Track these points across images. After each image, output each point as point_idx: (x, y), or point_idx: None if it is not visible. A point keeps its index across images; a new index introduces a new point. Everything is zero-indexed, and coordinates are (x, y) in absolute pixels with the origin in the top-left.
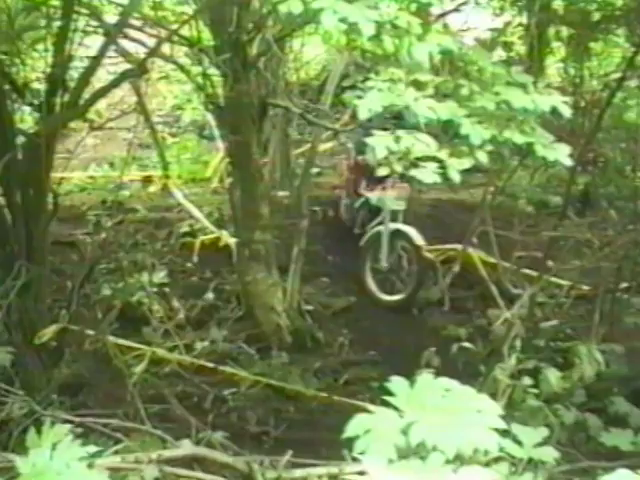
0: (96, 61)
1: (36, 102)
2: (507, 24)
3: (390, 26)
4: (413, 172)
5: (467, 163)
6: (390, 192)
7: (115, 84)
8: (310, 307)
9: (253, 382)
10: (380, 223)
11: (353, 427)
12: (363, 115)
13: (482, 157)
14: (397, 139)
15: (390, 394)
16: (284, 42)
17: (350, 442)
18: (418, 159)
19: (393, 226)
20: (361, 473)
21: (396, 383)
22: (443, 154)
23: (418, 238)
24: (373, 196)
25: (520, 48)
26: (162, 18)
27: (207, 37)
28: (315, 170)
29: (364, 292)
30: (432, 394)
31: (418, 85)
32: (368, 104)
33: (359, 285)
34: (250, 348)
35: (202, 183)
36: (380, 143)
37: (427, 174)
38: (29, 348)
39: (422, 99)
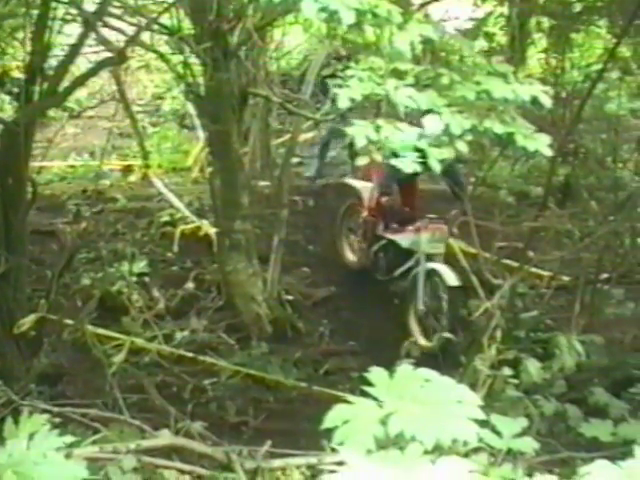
0: (75, 49)
1: (15, 90)
2: (488, 14)
3: (370, 15)
4: (393, 161)
5: (447, 153)
6: (425, 233)
7: (94, 72)
8: (290, 297)
9: (233, 372)
10: (413, 267)
11: (332, 418)
12: (343, 104)
13: (462, 147)
14: (377, 128)
15: (369, 384)
16: (265, 31)
17: (329, 432)
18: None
19: (430, 266)
20: (340, 463)
21: (375, 373)
22: (423, 143)
23: (453, 279)
24: (404, 238)
25: (502, 39)
26: (142, 7)
27: (187, 26)
28: (295, 160)
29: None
30: (411, 385)
31: (398, 74)
32: (348, 93)
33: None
34: (230, 338)
35: (182, 172)
36: (360, 132)
37: (407, 164)
38: (8, 337)
39: (402, 88)
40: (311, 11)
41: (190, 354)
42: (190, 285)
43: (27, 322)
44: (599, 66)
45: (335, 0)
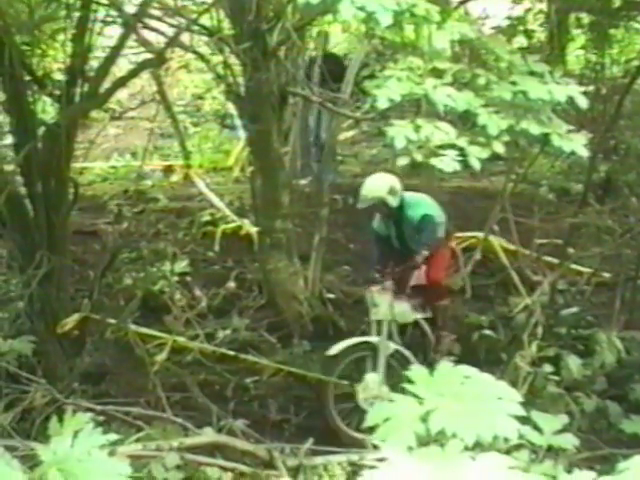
0: (115, 51)
1: (56, 92)
2: (527, 11)
3: (409, 14)
4: (433, 161)
5: (486, 152)
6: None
7: (134, 74)
8: (331, 295)
9: (274, 370)
10: None
11: (374, 415)
12: (382, 105)
13: (499, 147)
14: (416, 128)
15: (410, 382)
16: (304, 31)
17: (370, 430)
18: (438, 147)
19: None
20: (381, 460)
21: (416, 371)
22: (463, 142)
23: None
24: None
25: (540, 35)
26: (181, 8)
27: (227, 26)
28: (337, 158)
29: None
30: (452, 382)
31: (436, 73)
32: (387, 93)
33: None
34: (271, 336)
35: (223, 172)
36: (399, 133)
37: (447, 163)
38: (51, 337)
39: (441, 87)
40: (349, 13)
41: (232, 353)
42: (232, 284)
43: (70, 322)
44: (639, 62)
45: (373, 1)
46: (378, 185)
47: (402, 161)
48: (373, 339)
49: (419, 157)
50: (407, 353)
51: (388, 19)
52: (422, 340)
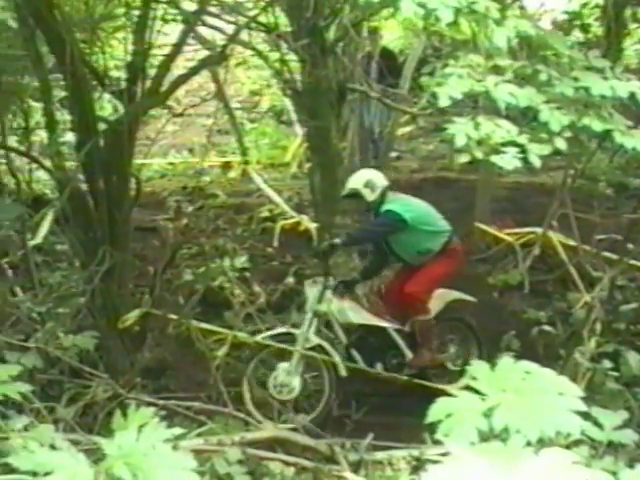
0: (176, 49)
1: (117, 90)
2: (583, 5)
3: (469, 11)
4: (494, 158)
5: (547, 149)
6: None
7: (196, 71)
8: None
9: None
10: None
11: (436, 411)
12: (443, 102)
13: (561, 144)
14: (477, 125)
15: (471, 377)
16: (361, 26)
17: (431, 425)
18: (499, 144)
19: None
20: (443, 455)
21: (477, 366)
22: (523, 139)
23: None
24: None
25: (597, 30)
26: (239, 5)
27: (284, 23)
28: (394, 154)
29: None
30: (513, 377)
31: (496, 70)
32: (448, 90)
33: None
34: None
35: (281, 168)
36: (460, 130)
37: (508, 161)
38: (113, 332)
39: (502, 84)
40: (410, 10)
41: (291, 347)
42: (290, 280)
43: (131, 317)
44: None
45: None
46: (356, 178)
47: (462, 158)
48: (295, 331)
49: (479, 154)
50: (329, 349)
51: (449, 16)
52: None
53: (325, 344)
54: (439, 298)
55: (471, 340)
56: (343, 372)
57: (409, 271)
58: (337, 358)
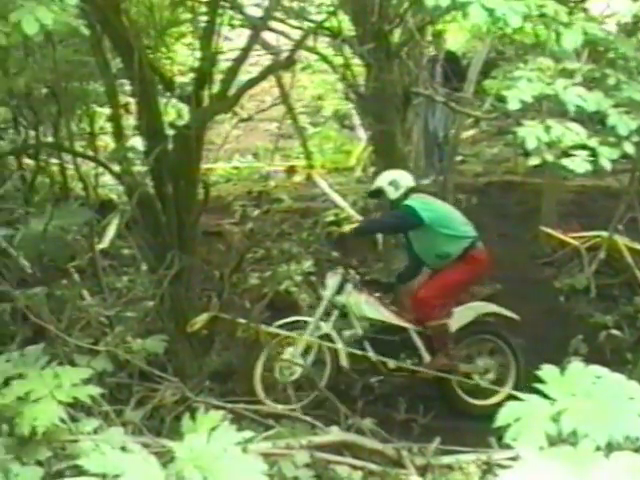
0: (243, 54)
1: (184, 95)
2: None
3: (537, 15)
4: (564, 161)
5: (616, 153)
6: None
7: (263, 76)
8: None
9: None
10: None
11: (504, 415)
12: (513, 106)
13: (629, 148)
14: (547, 129)
15: (540, 381)
16: (425, 30)
17: (498, 429)
18: (570, 148)
19: None
20: (513, 459)
21: (547, 371)
22: (593, 142)
23: None
24: None
25: None
26: (303, 9)
27: (348, 27)
28: (458, 158)
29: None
30: (583, 381)
31: (565, 73)
32: (518, 94)
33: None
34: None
35: (345, 172)
36: (530, 133)
37: (579, 164)
38: (181, 336)
39: (571, 87)
40: (479, 16)
41: (359, 352)
42: None
43: (200, 321)
44: None
45: (502, 4)
46: (383, 176)
47: (533, 161)
48: (308, 318)
49: (550, 157)
50: (336, 338)
51: (517, 21)
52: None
53: (333, 333)
54: (471, 309)
55: (507, 355)
56: (344, 362)
57: (430, 275)
58: (340, 347)
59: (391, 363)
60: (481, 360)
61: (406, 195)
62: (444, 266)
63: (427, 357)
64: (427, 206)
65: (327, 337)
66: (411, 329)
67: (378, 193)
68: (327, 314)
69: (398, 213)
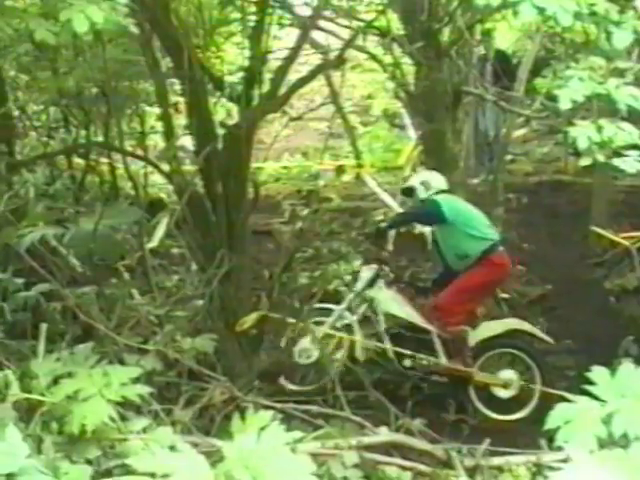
0: (293, 53)
1: (233, 94)
2: None
3: (588, 13)
4: (616, 162)
5: None
6: None
7: (313, 76)
8: (506, 295)
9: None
10: None
11: (554, 417)
12: (565, 105)
13: None
14: (599, 129)
15: (590, 383)
16: (475, 29)
17: (547, 431)
18: (621, 147)
19: None
20: (563, 462)
21: (597, 372)
22: None
23: None
24: None
25: None
26: (353, 9)
27: (397, 26)
28: (508, 157)
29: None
30: (634, 383)
31: (615, 72)
32: (569, 94)
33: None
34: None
35: (394, 171)
36: (582, 133)
37: (631, 164)
38: (231, 335)
39: (623, 87)
40: (529, 14)
41: (409, 352)
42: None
43: (249, 320)
44: None
45: (553, 3)
46: (416, 176)
47: (584, 161)
48: (336, 307)
49: (601, 158)
50: (356, 329)
51: (568, 20)
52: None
53: (355, 325)
54: (501, 324)
55: (533, 370)
56: (359, 354)
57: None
58: (358, 338)
59: (407, 361)
60: (503, 373)
61: (436, 195)
62: (463, 270)
63: (444, 360)
64: (451, 204)
65: (349, 327)
66: (433, 332)
67: (410, 191)
68: (356, 306)
69: (423, 206)
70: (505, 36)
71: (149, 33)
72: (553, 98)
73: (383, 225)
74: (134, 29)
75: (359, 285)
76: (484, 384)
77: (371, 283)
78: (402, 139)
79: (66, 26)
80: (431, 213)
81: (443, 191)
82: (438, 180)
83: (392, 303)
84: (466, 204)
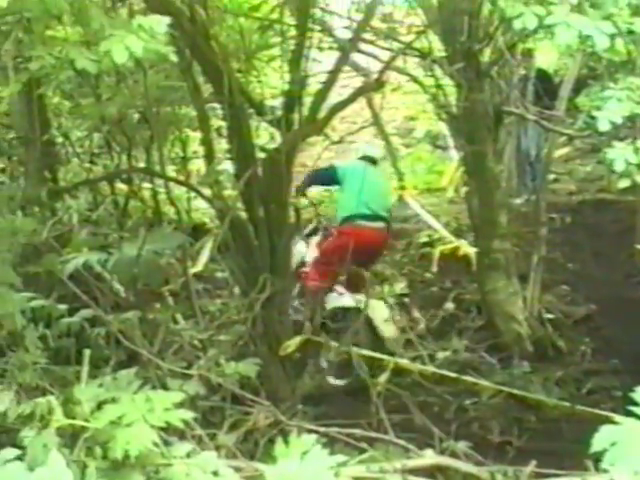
0: (333, 76)
1: (274, 118)
2: None
3: (626, 33)
4: None
5: None
6: None
7: (353, 99)
8: (551, 315)
9: (494, 392)
10: None
11: (600, 439)
12: (603, 127)
13: None
14: (636, 150)
15: (636, 404)
16: (515, 49)
17: (594, 453)
18: None
19: None
20: None
21: None
22: None
23: None
24: None
25: None
26: (391, 30)
27: (438, 47)
28: (551, 176)
29: None
30: None
31: None
32: (608, 115)
33: None
34: (491, 357)
35: (438, 193)
36: (619, 155)
37: None
38: (274, 359)
39: None
40: (566, 37)
41: (452, 374)
42: (450, 305)
43: (292, 344)
44: None
45: (589, 25)
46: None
47: (622, 183)
48: None
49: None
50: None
51: (605, 42)
52: None
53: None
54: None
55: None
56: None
57: None
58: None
59: None
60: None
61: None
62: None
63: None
64: (348, 170)
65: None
66: None
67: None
68: None
69: (324, 168)
70: (546, 55)
71: (189, 59)
72: (594, 117)
73: (299, 188)
74: (174, 57)
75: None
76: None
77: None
78: (445, 160)
79: (106, 56)
80: (326, 174)
81: (366, 158)
82: (367, 149)
83: None
84: (374, 177)
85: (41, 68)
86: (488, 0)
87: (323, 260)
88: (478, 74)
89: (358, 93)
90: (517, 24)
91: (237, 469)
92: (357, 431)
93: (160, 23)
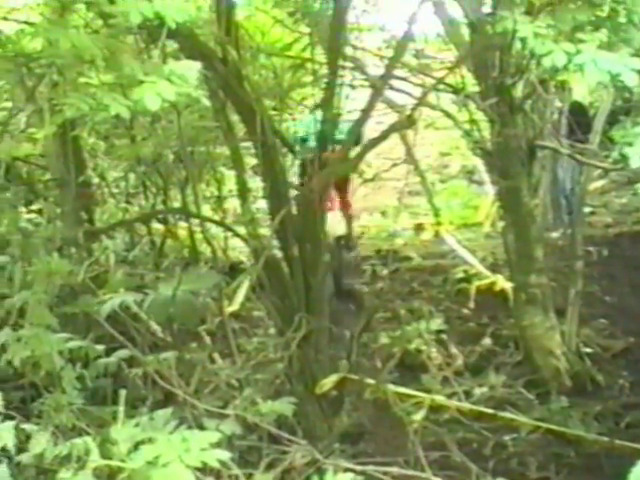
0: (365, 114)
1: (306, 157)
2: None
3: None
4: None
5: None
6: None
7: (385, 136)
8: (589, 349)
9: (533, 427)
10: None
11: (637, 474)
12: (635, 164)
13: None
14: None
15: None
16: (548, 82)
17: None
18: None
19: None
20: None
21: None
22: None
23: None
24: None
25: None
26: (424, 66)
27: (470, 82)
28: (587, 209)
29: None
30: None
31: None
32: (639, 151)
33: None
34: (529, 393)
35: (474, 228)
36: (637, 153)
37: None
38: (311, 398)
39: None
40: (594, 76)
41: (490, 410)
42: (487, 341)
43: (329, 382)
44: None
45: (617, 62)
46: None
47: None
48: None
49: None
50: None
51: (634, 79)
52: None
53: None
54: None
55: None
56: None
57: None
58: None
59: None
60: None
61: None
62: None
63: None
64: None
65: None
66: None
67: None
68: None
69: None
70: (580, 87)
71: (223, 99)
72: (625, 154)
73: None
74: (206, 101)
75: None
76: None
77: None
78: (480, 195)
79: (138, 104)
80: None
81: None
82: None
83: None
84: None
85: (76, 111)
86: (518, 38)
87: None
88: (511, 109)
89: (389, 131)
90: (547, 62)
91: None
92: (394, 469)
93: (192, 68)
